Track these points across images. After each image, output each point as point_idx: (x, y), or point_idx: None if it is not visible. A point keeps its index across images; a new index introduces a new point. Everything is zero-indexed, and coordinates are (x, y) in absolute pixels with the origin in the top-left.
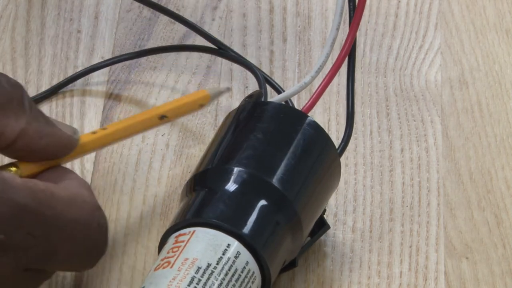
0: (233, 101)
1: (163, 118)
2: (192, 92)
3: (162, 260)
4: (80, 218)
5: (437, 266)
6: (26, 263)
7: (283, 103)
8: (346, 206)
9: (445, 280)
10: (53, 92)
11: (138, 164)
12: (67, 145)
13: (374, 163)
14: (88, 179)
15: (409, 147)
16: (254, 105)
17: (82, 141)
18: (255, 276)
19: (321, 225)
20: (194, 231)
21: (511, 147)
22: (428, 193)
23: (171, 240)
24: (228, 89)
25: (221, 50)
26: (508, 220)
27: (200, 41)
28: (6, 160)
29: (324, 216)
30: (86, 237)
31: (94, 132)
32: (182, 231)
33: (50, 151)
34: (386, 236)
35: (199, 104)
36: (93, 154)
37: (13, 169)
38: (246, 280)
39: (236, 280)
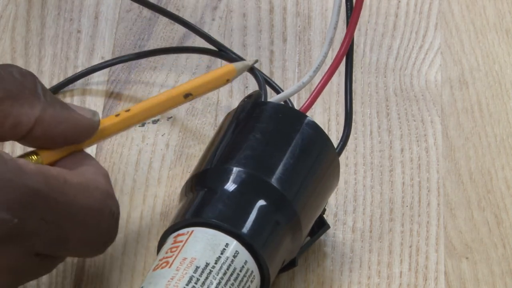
0: (233, 101)
1: (188, 96)
2: (218, 68)
3: (160, 260)
4: (93, 205)
5: (437, 266)
6: (38, 249)
7: (282, 103)
8: (346, 206)
9: (445, 280)
10: (53, 92)
11: (138, 164)
12: (87, 129)
13: (374, 163)
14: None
15: (409, 147)
16: (253, 105)
17: (105, 124)
18: (254, 275)
19: (321, 225)
20: (192, 231)
21: (511, 147)
22: (428, 193)
23: (170, 240)
24: (256, 61)
25: (222, 52)
26: (508, 220)
27: (200, 41)
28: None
29: (324, 216)
30: (98, 224)
31: (117, 115)
32: (180, 231)
33: (70, 136)
34: (386, 236)
35: (226, 79)
36: (93, 154)
37: (34, 157)
38: (245, 279)
39: (235, 279)
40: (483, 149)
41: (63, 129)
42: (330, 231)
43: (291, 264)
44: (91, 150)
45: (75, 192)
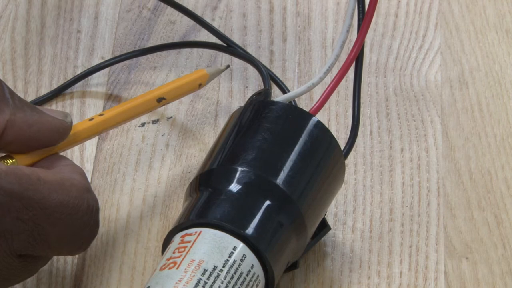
0: (233, 101)
1: (161, 101)
2: (191, 72)
3: (168, 260)
4: (69, 201)
5: (437, 266)
6: (19, 249)
7: (290, 102)
8: (346, 206)
9: (445, 280)
10: (54, 95)
11: (138, 164)
12: (59, 130)
13: (374, 163)
14: (88, 179)
15: (409, 147)
16: (261, 105)
17: (79, 129)
18: (260, 280)
19: (322, 227)
20: (200, 231)
21: (511, 147)
22: (428, 193)
23: (177, 239)
24: (228, 67)
25: (230, 47)
26: (508, 220)
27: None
28: None
29: (325, 216)
30: (75, 220)
31: (91, 119)
32: (188, 231)
33: (43, 138)
34: (386, 236)
35: (198, 84)
36: (93, 154)
37: (9, 161)
38: (251, 283)
39: (241, 284)
40: (483, 149)
41: (35, 132)
42: (330, 231)
43: (292, 266)
44: (90, 151)
45: (50, 189)
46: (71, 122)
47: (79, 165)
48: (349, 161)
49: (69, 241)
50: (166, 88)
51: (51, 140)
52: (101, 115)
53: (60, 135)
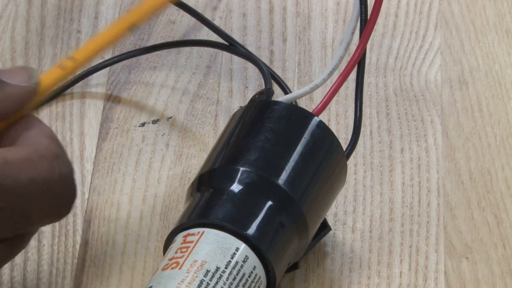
0: (233, 101)
1: (133, 29)
2: None
3: (170, 259)
4: (39, 176)
5: (437, 266)
6: (2, 234)
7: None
8: (346, 206)
9: (445, 280)
10: (54, 96)
11: (138, 164)
12: (23, 97)
13: (374, 163)
14: (88, 179)
15: (409, 147)
16: (264, 105)
17: (49, 82)
18: (261, 281)
19: (322, 227)
20: (203, 232)
21: (511, 147)
22: (428, 193)
23: (179, 239)
24: None
25: (231, 46)
26: (508, 220)
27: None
28: None
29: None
30: (51, 191)
31: (62, 68)
32: (190, 231)
33: (8, 110)
34: (386, 236)
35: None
36: (93, 154)
37: None
38: (253, 285)
39: (243, 285)
40: (483, 149)
41: None
42: (330, 231)
43: (293, 267)
44: (90, 150)
45: (19, 170)
46: (36, 83)
47: (78, 164)
48: (349, 161)
49: (50, 211)
50: (134, 15)
51: (16, 108)
52: (72, 59)
53: (25, 101)
